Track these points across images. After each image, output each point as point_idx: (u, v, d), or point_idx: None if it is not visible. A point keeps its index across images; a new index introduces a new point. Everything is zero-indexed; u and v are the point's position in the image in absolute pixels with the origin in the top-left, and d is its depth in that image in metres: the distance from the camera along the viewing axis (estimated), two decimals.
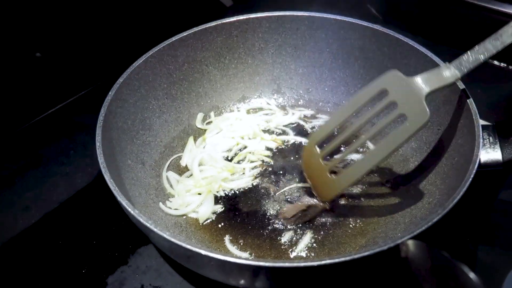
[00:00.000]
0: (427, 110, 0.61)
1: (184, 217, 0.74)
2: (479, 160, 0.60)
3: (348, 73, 0.90)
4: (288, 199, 0.76)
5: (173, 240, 0.53)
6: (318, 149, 0.70)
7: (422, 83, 0.63)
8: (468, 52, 0.62)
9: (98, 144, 0.65)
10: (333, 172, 0.70)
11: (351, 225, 0.72)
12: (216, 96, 0.93)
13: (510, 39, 0.60)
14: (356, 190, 0.77)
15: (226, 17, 0.88)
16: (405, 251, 0.59)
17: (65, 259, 0.72)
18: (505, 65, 1.01)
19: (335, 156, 0.69)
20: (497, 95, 0.93)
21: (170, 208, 0.75)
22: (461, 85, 0.68)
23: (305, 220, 0.72)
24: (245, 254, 0.69)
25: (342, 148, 0.75)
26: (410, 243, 0.59)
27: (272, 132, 0.89)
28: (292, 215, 0.72)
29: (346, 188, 0.66)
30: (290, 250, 0.69)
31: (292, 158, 0.84)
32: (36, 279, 0.69)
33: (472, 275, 0.58)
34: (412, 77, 0.64)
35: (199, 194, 0.77)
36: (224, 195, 0.78)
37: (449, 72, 0.63)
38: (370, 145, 0.80)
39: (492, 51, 0.60)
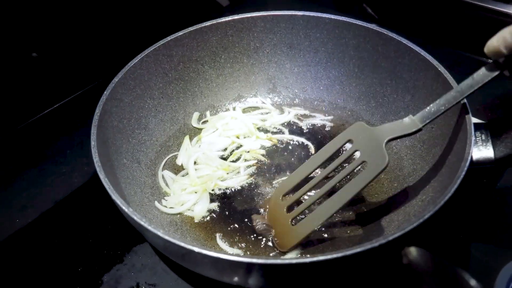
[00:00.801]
0: (386, 156, 0.64)
1: (179, 215, 0.75)
2: (471, 158, 0.61)
3: (343, 72, 0.90)
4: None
5: (167, 237, 0.53)
6: (281, 200, 0.71)
7: (383, 131, 0.66)
8: (431, 105, 0.66)
9: (93, 143, 0.66)
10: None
11: (344, 223, 0.72)
12: (212, 95, 0.93)
13: (468, 91, 0.64)
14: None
15: (221, 17, 0.89)
16: (407, 258, 0.60)
17: (61, 258, 0.72)
18: None
19: (298, 206, 0.69)
20: (489, 94, 0.93)
21: (165, 206, 0.75)
22: (455, 85, 0.69)
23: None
24: (239, 252, 0.69)
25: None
26: (413, 250, 0.60)
27: (268, 131, 0.90)
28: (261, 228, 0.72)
29: (307, 236, 0.66)
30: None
31: (287, 156, 0.84)
32: (33, 278, 0.70)
33: (473, 282, 0.59)
34: (375, 127, 0.67)
35: (195, 192, 0.77)
36: (219, 193, 0.78)
37: (411, 122, 0.66)
38: None
39: (453, 102, 0.64)
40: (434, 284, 0.58)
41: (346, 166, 0.70)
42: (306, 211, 0.69)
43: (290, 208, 0.70)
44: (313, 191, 0.71)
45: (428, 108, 0.66)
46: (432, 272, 0.55)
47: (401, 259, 0.60)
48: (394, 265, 0.61)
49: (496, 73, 0.63)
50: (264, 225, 0.70)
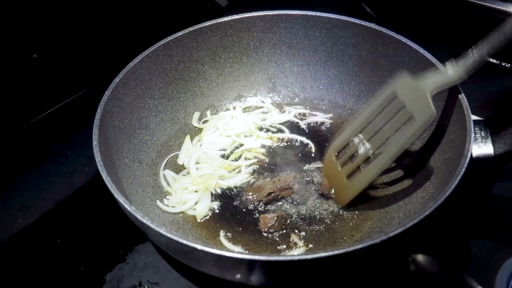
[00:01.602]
0: (432, 107, 0.64)
1: (181, 214, 0.75)
2: (471, 155, 0.61)
3: (342, 71, 0.91)
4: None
5: (169, 235, 0.53)
6: (335, 157, 0.74)
7: (428, 84, 0.66)
8: (472, 52, 0.63)
9: (95, 143, 0.66)
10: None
11: (346, 221, 0.72)
12: (212, 95, 0.93)
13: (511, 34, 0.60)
14: None
15: (221, 17, 0.89)
16: (414, 265, 0.60)
17: (63, 257, 0.72)
18: (497, 61, 1.02)
19: (350, 163, 0.72)
20: (489, 91, 0.93)
21: (167, 205, 0.76)
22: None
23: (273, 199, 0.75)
24: (241, 249, 0.69)
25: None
26: (420, 257, 0.60)
27: (268, 130, 0.90)
28: (260, 198, 0.75)
29: (363, 190, 0.69)
30: (286, 245, 0.70)
31: (287, 155, 0.84)
32: (35, 277, 0.70)
33: None
34: (419, 80, 0.67)
35: (196, 191, 0.78)
36: (220, 192, 0.78)
37: (454, 72, 0.65)
38: None
39: (496, 46, 0.62)
40: None
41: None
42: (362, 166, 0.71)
43: (344, 165, 0.72)
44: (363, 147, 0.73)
45: (469, 55, 0.64)
46: (440, 279, 0.56)
47: (408, 266, 0.61)
48: (401, 272, 0.62)
49: None
50: (270, 225, 0.71)
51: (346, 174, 0.71)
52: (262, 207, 0.75)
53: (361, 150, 0.74)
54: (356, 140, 0.74)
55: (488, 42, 0.62)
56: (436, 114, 0.65)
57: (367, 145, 0.71)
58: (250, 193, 0.76)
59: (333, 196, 0.74)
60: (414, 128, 0.64)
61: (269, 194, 0.75)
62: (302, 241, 0.70)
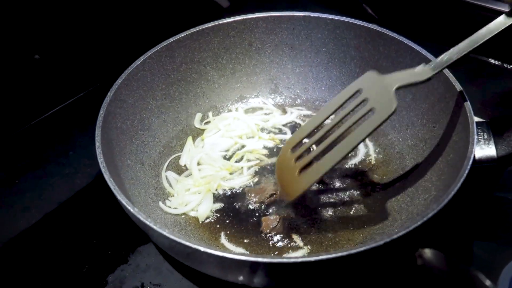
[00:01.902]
0: (394, 101, 0.62)
1: (184, 216, 0.75)
2: (474, 156, 0.61)
3: (345, 72, 0.91)
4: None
5: (172, 237, 0.53)
6: (291, 152, 0.70)
7: (393, 79, 0.65)
8: (443, 54, 0.65)
9: (97, 144, 0.66)
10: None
11: (348, 223, 0.72)
12: (214, 96, 0.93)
13: (481, 39, 0.63)
14: (353, 188, 0.78)
15: (223, 18, 0.89)
16: (421, 259, 0.60)
17: (65, 259, 0.72)
18: (499, 63, 1.02)
19: (305, 156, 0.68)
20: (491, 92, 0.93)
21: (169, 207, 0.76)
22: (457, 84, 0.69)
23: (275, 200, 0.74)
24: (243, 251, 0.69)
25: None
26: (427, 251, 0.60)
27: (270, 131, 0.90)
28: (262, 199, 0.75)
29: (311, 184, 0.65)
30: (289, 247, 0.70)
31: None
32: (37, 279, 0.70)
33: (488, 282, 0.59)
34: (385, 75, 0.66)
35: (198, 193, 0.78)
36: (223, 193, 0.78)
37: (422, 71, 0.65)
38: None
39: (466, 50, 0.63)
40: (449, 285, 0.58)
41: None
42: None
43: (298, 160, 0.69)
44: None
45: (440, 57, 0.65)
46: (447, 273, 0.56)
47: (415, 260, 0.61)
48: (408, 266, 0.62)
49: (511, 21, 0.61)
50: (272, 226, 0.71)
51: (298, 169, 0.67)
52: (264, 209, 0.75)
53: (318, 144, 0.69)
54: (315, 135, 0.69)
55: (458, 47, 0.64)
56: (439, 116, 0.64)
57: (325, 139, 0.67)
58: (253, 194, 0.77)
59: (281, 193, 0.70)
60: (374, 121, 0.62)
61: (271, 195, 0.75)
62: (303, 242, 0.70)
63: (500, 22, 0.62)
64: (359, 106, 0.66)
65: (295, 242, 0.70)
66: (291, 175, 0.68)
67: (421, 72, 0.65)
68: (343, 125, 0.66)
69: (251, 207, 0.75)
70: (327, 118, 0.68)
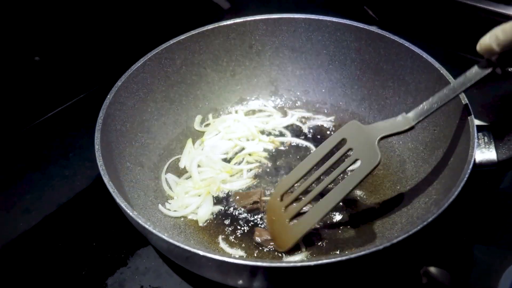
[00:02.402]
0: (378, 153, 0.64)
1: (183, 218, 0.75)
2: (474, 160, 0.61)
3: (345, 75, 0.91)
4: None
5: (171, 241, 0.53)
6: (280, 201, 0.71)
7: (376, 129, 0.67)
8: (424, 103, 0.66)
9: (97, 147, 0.66)
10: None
11: (347, 227, 0.72)
12: (214, 99, 0.93)
13: (460, 88, 0.65)
14: (353, 192, 0.77)
15: (223, 20, 0.89)
16: (426, 278, 0.60)
17: (65, 261, 0.72)
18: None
19: (295, 205, 0.70)
20: (492, 96, 0.93)
21: (169, 210, 0.75)
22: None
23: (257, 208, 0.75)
24: (243, 255, 0.69)
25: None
26: (432, 270, 0.61)
27: (270, 134, 0.90)
28: (244, 204, 0.75)
29: (305, 234, 0.66)
30: (288, 251, 0.69)
31: (289, 159, 0.84)
32: (37, 281, 0.70)
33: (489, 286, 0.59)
34: (368, 125, 0.68)
35: (198, 195, 0.77)
36: (222, 196, 0.78)
37: (403, 120, 0.67)
38: None
39: (445, 100, 0.66)
40: None
41: (341, 163, 0.69)
42: (304, 209, 0.69)
43: (288, 208, 0.70)
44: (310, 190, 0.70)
45: (421, 106, 0.66)
46: None
47: (420, 279, 0.61)
48: (413, 285, 0.62)
49: (488, 70, 0.64)
50: (264, 238, 0.70)
51: (289, 217, 0.68)
52: (264, 213, 0.75)
53: (306, 193, 0.70)
54: (302, 183, 0.70)
55: (438, 96, 0.66)
56: (440, 119, 0.64)
57: (313, 188, 0.69)
58: (237, 197, 0.76)
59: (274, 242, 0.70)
60: (360, 173, 0.65)
61: (254, 202, 0.75)
62: (305, 247, 0.70)
63: (476, 73, 0.64)
64: (343, 156, 0.68)
65: (296, 244, 0.70)
66: (282, 223, 0.69)
67: (403, 121, 0.66)
68: (330, 174, 0.68)
69: (250, 210, 0.75)
70: (314, 166, 0.70)
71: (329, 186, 0.68)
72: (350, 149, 0.68)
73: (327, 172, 0.69)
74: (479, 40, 0.62)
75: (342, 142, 0.69)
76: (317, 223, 0.68)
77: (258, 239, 0.70)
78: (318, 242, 0.70)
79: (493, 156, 0.65)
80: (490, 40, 0.60)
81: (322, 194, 0.67)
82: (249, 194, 0.77)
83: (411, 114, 0.67)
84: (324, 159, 0.70)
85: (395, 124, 0.67)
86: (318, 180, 0.69)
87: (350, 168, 0.69)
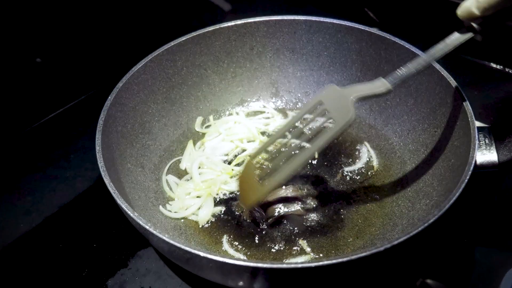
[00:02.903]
0: (351, 110, 0.64)
1: (184, 220, 0.75)
2: (475, 162, 0.61)
3: (346, 76, 0.91)
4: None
5: (172, 242, 0.53)
6: (254, 164, 0.72)
7: (352, 91, 0.66)
8: (401, 67, 0.66)
9: (98, 148, 0.66)
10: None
11: (348, 228, 0.72)
12: (215, 100, 0.93)
13: (439, 53, 0.65)
14: (353, 193, 0.77)
15: (224, 22, 0.89)
16: None
17: (65, 262, 0.72)
18: (501, 67, 1.02)
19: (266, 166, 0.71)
20: (493, 97, 0.93)
21: (170, 211, 0.75)
22: (457, 87, 0.69)
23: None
24: (243, 256, 0.69)
25: None
26: (429, 282, 0.61)
27: (271, 135, 0.90)
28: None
29: (269, 191, 0.67)
30: (288, 252, 0.69)
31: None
32: (37, 283, 0.70)
33: None
34: (345, 87, 0.67)
35: (199, 197, 0.77)
36: (223, 197, 0.78)
37: (381, 83, 0.66)
38: None
39: (423, 64, 0.65)
40: None
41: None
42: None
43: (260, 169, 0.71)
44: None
45: (398, 70, 0.66)
46: None
47: None
48: None
49: (468, 36, 0.64)
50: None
51: (259, 177, 0.69)
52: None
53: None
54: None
55: (416, 61, 0.66)
56: (440, 121, 0.64)
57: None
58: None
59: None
60: (331, 130, 0.64)
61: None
62: (309, 248, 0.70)
63: (456, 38, 0.64)
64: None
65: (297, 247, 0.70)
66: (253, 182, 0.69)
67: (380, 84, 0.66)
68: (304, 135, 0.69)
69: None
70: (290, 129, 0.70)
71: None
72: (324, 110, 0.67)
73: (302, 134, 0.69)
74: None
75: (320, 105, 0.68)
76: (285, 179, 0.67)
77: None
78: (318, 243, 0.70)
79: (494, 157, 0.65)
80: (470, 3, 0.60)
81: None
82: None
83: (387, 78, 0.66)
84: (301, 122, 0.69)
85: (373, 86, 0.66)
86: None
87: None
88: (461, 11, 0.62)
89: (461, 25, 0.65)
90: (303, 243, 0.70)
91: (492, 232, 0.73)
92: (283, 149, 0.70)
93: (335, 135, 0.64)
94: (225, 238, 0.72)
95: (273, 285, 0.57)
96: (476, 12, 0.59)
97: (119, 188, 0.63)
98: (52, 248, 0.74)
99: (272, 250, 0.70)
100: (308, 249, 0.69)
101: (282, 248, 0.70)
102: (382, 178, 0.79)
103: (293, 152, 0.68)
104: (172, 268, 0.70)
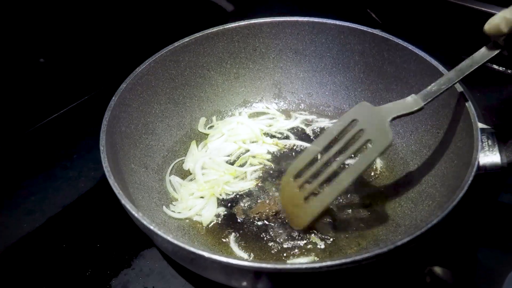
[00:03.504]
0: (390, 133, 0.66)
1: (187, 220, 0.75)
2: (478, 163, 0.61)
3: (349, 77, 0.91)
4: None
5: (176, 242, 0.53)
6: (293, 180, 0.72)
7: (387, 110, 0.68)
8: (432, 84, 0.68)
9: (102, 148, 0.66)
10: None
11: (352, 229, 0.72)
12: (218, 101, 0.94)
13: (468, 70, 0.66)
14: (356, 194, 0.77)
15: (227, 23, 0.89)
16: (430, 277, 0.60)
17: (69, 262, 0.72)
18: (503, 69, 1.02)
19: (309, 185, 0.71)
20: (496, 99, 0.93)
21: (173, 211, 0.76)
22: (460, 89, 0.70)
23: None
24: (247, 256, 0.69)
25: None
26: (436, 269, 0.61)
27: (274, 136, 0.90)
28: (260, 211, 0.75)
29: (319, 213, 0.68)
30: (292, 253, 0.70)
31: (293, 161, 0.84)
32: (41, 282, 0.70)
33: None
34: (379, 106, 0.68)
35: (202, 197, 0.78)
36: (226, 198, 0.78)
37: (413, 101, 0.68)
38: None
39: (454, 80, 0.67)
40: None
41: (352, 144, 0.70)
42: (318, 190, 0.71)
43: (302, 188, 0.71)
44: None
45: (429, 87, 0.68)
46: None
47: (424, 278, 0.61)
48: (417, 284, 0.62)
49: (496, 52, 0.65)
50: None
51: (304, 197, 0.70)
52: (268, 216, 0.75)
53: (320, 173, 0.71)
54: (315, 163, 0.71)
55: (445, 78, 0.68)
56: (443, 122, 0.64)
57: (327, 168, 0.70)
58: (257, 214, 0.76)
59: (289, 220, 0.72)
60: (372, 153, 0.66)
61: (277, 213, 0.75)
62: (302, 250, 0.70)
63: (483, 54, 0.66)
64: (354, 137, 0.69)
65: (301, 246, 0.70)
66: (297, 202, 0.70)
67: (412, 102, 0.68)
68: (342, 154, 0.69)
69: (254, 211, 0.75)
70: (325, 147, 0.71)
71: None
72: (361, 130, 0.68)
73: (339, 152, 0.69)
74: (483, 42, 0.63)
75: (353, 123, 0.70)
76: (330, 203, 0.70)
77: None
78: (321, 244, 0.70)
79: (497, 159, 0.65)
80: (499, 20, 0.61)
81: (334, 175, 0.69)
82: (264, 205, 0.76)
83: (419, 95, 0.68)
84: (336, 139, 0.70)
85: (405, 105, 0.68)
86: (329, 161, 0.70)
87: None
88: (489, 27, 0.62)
89: (486, 40, 0.66)
90: (315, 238, 0.71)
91: (494, 234, 0.73)
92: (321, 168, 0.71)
93: (375, 158, 0.66)
94: (228, 238, 0.72)
95: (277, 286, 0.57)
96: (504, 29, 0.60)
97: (123, 189, 0.63)
98: (55, 248, 0.75)
99: (275, 249, 0.70)
100: (321, 244, 0.70)
101: (284, 248, 0.70)
102: (384, 178, 0.80)
103: (331, 172, 0.69)
104: (175, 268, 0.70)
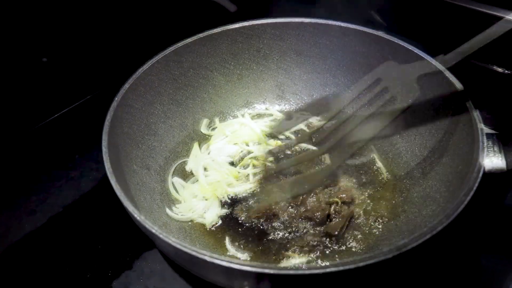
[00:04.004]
0: (417, 89, 0.66)
1: (190, 222, 0.75)
2: (483, 169, 0.60)
3: (352, 79, 0.90)
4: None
5: (178, 246, 0.53)
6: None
7: (414, 68, 0.67)
8: (463, 44, 0.68)
9: (104, 149, 0.66)
10: None
11: (355, 233, 0.72)
12: (221, 102, 0.93)
13: (499, 32, 0.66)
14: (359, 198, 0.77)
15: (230, 23, 0.89)
16: None
17: (70, 263, 0.72)
18: (509, 72, 1.01)
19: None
20: (500, 102, 0.93)
21: (176, 213, 0.75)
22: (463, 91, 0.69)
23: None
24: (248, 258, 0.69)
25: None
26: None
27: (276, 138, 0.89)
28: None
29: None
30: (292, 254, 0.69)
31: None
32: (41, 283, 0.70)
33: None
34: (406, 64, 0.68)
35: (205, 199, 0.77)
36: (228, 200, 0.78)
37: (441, 60, 0.68)
38: None
39: (480, 44, 0.67)
40: None
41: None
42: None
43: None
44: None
45: (460, 48, 0.67)
46: None
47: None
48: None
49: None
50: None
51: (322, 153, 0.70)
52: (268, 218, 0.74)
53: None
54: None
55: (473, 41, 0.67)
56: (448, 127, 0.64)
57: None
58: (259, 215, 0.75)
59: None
60: (397, 108, 0.66)
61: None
62: (301, 252, 0.69)
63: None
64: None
65: (301, 247, 0.70)
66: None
67: (439, 60, 0.67)
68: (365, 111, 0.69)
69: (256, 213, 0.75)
70: (348, 104, 0.71)
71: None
72: (385, 88, 0.68)
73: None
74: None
75: (376, 82, 0.69)
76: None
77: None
78: (321, 247, 0.70)
79: (503, 164, 0.64)
80: None
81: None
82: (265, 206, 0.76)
83: (449, 55, 0.67)
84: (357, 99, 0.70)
85: (431, 62, 0.68)
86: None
87: None
88: None
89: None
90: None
91: (498, 239, 0.73)
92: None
93: (400, 113, 0.66)
94: (230, 240, 0.72)
95: None
96: None
97: (125, 190, 0.63)
98: (56, 248, 0.74)
99: (277, 252, 0.69)
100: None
101: (286, 251, 0.70)
102: (388, 183, 0.79)
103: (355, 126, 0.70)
104: (176, 270, 0.70)
